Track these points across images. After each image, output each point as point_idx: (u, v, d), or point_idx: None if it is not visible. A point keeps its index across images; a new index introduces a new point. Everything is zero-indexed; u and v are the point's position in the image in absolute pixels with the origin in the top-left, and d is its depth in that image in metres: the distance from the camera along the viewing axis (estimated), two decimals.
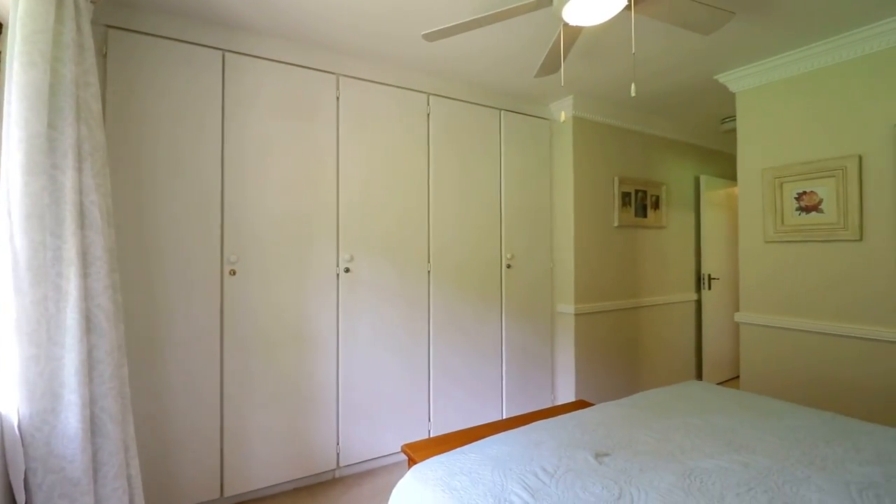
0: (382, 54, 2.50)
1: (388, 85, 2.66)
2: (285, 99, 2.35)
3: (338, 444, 2.46)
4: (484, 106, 3.06)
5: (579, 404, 2.13)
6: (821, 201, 2.45)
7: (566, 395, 3.26)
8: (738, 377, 3.85)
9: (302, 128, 2.39)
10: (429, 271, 2.78)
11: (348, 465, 2.52)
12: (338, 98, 2.50)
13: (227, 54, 2.22)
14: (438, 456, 1.37)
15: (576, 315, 3.21)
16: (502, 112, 3.14)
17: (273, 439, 2.29)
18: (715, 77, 2.87)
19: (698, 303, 4.11)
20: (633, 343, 3.59)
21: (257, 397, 2.25)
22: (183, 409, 2.09)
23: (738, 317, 2.83)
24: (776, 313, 2.65)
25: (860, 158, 2.32)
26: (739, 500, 1.11)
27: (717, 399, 1.90)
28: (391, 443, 2.62)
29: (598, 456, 1.33)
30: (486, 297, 3.03)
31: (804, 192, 2.51)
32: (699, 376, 4.12)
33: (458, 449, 1.42)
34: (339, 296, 2.47)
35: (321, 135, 2.45)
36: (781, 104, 2.64)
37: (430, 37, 1.80)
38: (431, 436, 2.64)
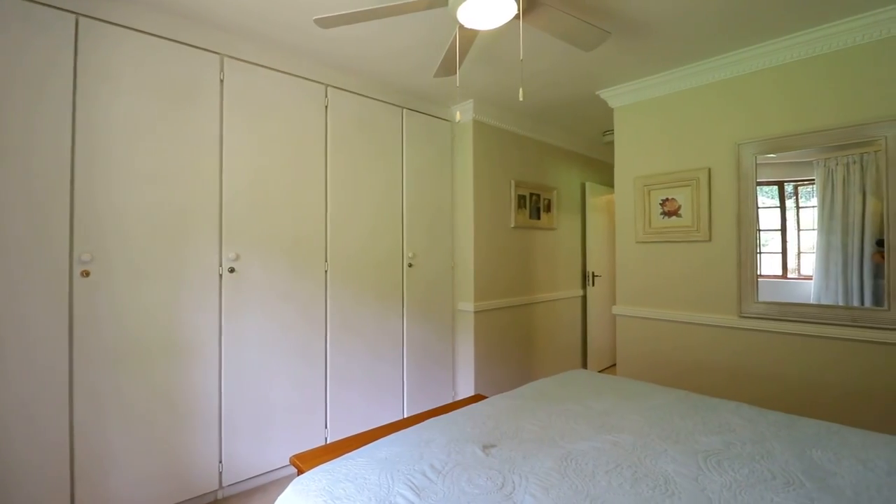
0: (274, 37, 2.34)
1: (281, 72, 2.49)
2: (156, 77, 2.08)
3: (220, 461, 2.24)
4: (386, 103, 3.01)
5: (475, 399, 2.19)
6: (680, 207, 2.80)
7: (466, 390, 3.34)
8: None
9: (177, 111, 2.14)
10: (326, 270, 2.66)
11: (233, 484, 2.31)
12: (222, 81, 2.28)
13: (80, 19, 1.90)
14: (324, 464, 1.29)
15: (475, 312, 3.30)
16: (405, 110, 3.12)
17: (140, 463, 2.01)
18: (597, 93, 3.15)
19: (584, 298, 4.49)
20: (527, 337, 3.80)
21: (119, 417, 1.96)
22: (18, 438, 1.73)
23: (615, 309, 3.13)
24: (645, 306, 2.98)
25: (709, 171, 2.69)
26: (608, 477, 1.21)
27: (595, 385, 2.07)
28: (284, 455, 2.45)
29: (485, 448, 1.36)
30: (386, 297, 2.98)
31: (667, 199, 2.86)
32: (584, 365, 4.50)
33: (347, 455, 1.36)
34: (223, 298, 2.25)
35: (202, 120, 2.21)
36: (650, 120, 2.98)
37: (322, 22, 1.71)
38: (328, 443, 2.52)
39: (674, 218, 2.83)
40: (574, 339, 4.38)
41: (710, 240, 2.69)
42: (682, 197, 2.79)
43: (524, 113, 3.58)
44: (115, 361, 1.95)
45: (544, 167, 4.00)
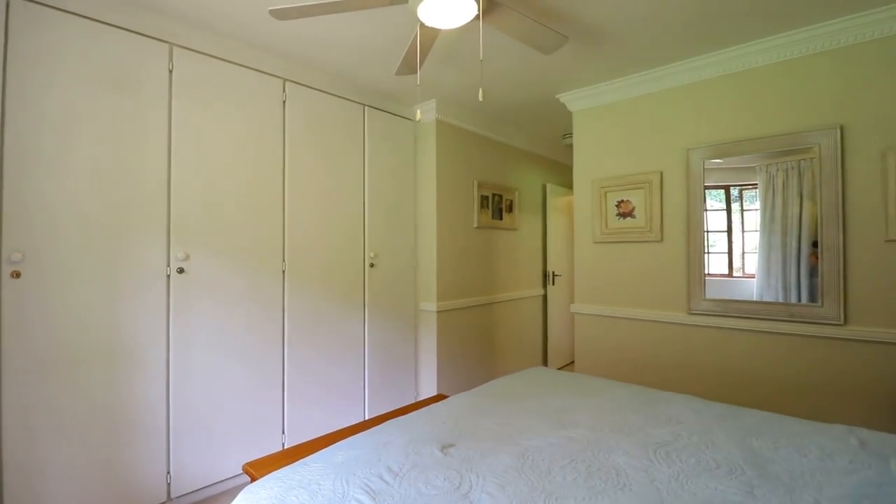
0: (228, 27, 2.24)
1: (236, 64, 2.40)
2: (98, 65, 1.95)
3: (168, 472, 2.13)
4: (348, 100, 2.96)
5: (436, 399, 2.18)
6: (634, 208, 2.91)
7: (429, 390, 3.33)
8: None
9: (122, 102, 2.01)
10: (283, 271, 2.58)
11: (183, 495, 2.20)
12: (171, 71, 2.16)
13: (12, 0, 1.75)
14: (277, 471, 1.25)
15: (438, 312, 3.29)
16: (367, 108, 3.07)
17: (78, 477, 1.87)
18: (557, 96, 3.21)
19: (545, 297, 4.57)
20: (489, 336, 3.83)
21: (54, 429, 1.82)
22: None
23: (573, 308, 3.21)
24: (602, 303, 3.06)
25: (661, 174, 2.80)
26: (563, 472, 1.23)
27: (553, 382, 2.11)
28: (238, 463, 2.36)
29: (443, 448, 1.35)
30: (347, 297, 2.92)
31: (622, 201, 2.96)
32: (545, 362, 4.59)
33: (301, 460, 1.32)
34: (171, 301, 2.14)
35: (148, 112, 2.09)
36: (607, 124, 3.07)
37: (277, 14, 1.65)
38: (284, 449, 2.45)
39: (628, 219, 2.93)
40: (535, 338, 4.46)
41: (661, 240, 2.80)
42: (636, 199, 2.90)
43: (487, 114, 3.61)
44: (47, 369, 1.81)
45: (507, 168, 4.04)
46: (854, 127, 2.21)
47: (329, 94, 2.85)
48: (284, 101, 2.61)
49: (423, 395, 3.38)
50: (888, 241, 2.11)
